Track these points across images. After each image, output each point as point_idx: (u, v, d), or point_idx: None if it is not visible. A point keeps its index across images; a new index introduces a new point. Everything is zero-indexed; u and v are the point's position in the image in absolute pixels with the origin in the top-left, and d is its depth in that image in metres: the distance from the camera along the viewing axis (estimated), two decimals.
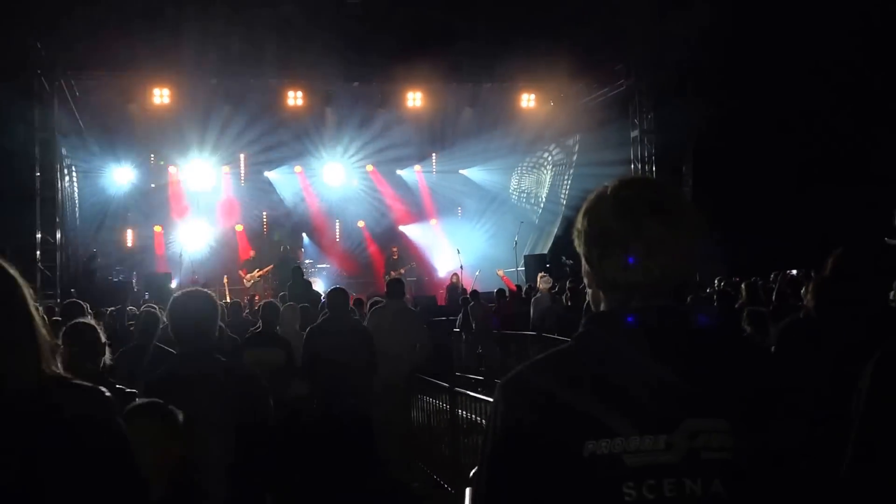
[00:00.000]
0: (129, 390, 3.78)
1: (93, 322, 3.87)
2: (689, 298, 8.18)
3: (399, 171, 22.85)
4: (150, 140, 20.12)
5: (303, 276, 14.76)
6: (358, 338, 7.22)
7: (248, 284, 18.94)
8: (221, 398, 3.33)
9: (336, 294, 7.64)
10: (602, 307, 1.57)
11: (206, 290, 3.64)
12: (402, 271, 19.29)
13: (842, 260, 3.19)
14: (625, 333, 1.48)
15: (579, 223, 1.58)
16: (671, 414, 1.40)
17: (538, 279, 14.66)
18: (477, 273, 19.50)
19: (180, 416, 2.25)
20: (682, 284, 1.58)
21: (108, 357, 3.84)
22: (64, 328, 3.78)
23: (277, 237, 21.44)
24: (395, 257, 20.71)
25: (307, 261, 20.57)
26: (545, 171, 22.60)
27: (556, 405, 1.43)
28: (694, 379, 1.42)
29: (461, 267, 19.21)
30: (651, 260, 1.49)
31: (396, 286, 8.93)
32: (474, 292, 15.76)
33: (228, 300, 14.99)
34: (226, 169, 21.51)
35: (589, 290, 1.61)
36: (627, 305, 1.51)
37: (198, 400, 3.13)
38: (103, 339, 3.80)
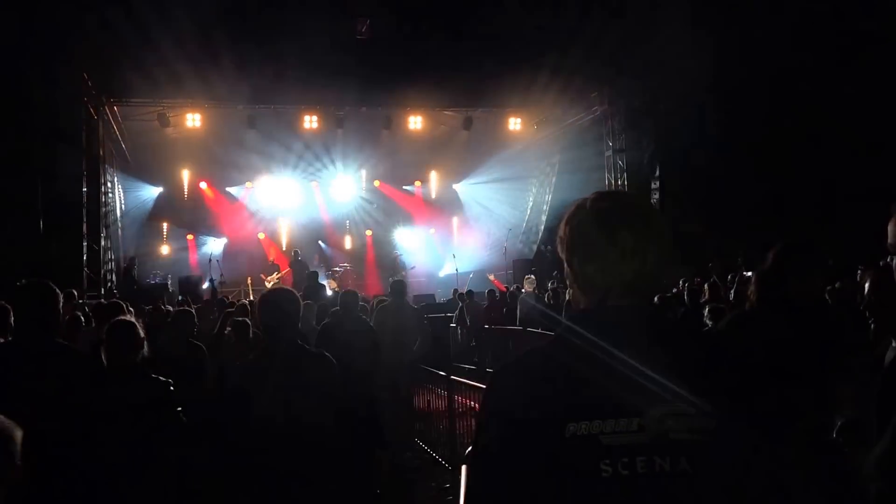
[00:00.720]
0: (163, 379, 3.75)
1: (132, 319, 3.81)
2: (656, 298, 7.96)
3: (403, 186, 22.91)
4: (183, 159, 20.25)
5: (317, 279, 14.60)
6: (363, 332, 7.19)
7: (268, 286, 18.18)
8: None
9: (347, 295, 7.65)
10: (581, 305, 1.57)
11: (289, 288, 3.59)
12: (405, 273, 19.21)
13: (779, 255, 3.06)
14: (601, 329, 1.46)
15: (561, 231, 1.58)
16: (643, 399, 1.40)
17: (524, 280, 14.63)
18: (471, 275, 19.42)
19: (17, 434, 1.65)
20: (652, 286, 1.55)
21: (145, 350, 3.78)
22: (106, 326, 3.75)
23: (293, 245, 21.43)
24: (399, 261, 20.59)
25: (321, 266, 20.34)
26: (530, 185, 22.64)
27: (540, 391, 1.43)
28: (663, 368, 1.41)
29: (456, 270, 19.24)
30: (625, 264, 1.49)
31: (399, 286, 8.85)
32: (469, 292, 15.72)
33: (251, 299, 14.94)
34: (248, 185, 21.60)
35: (570, 291, 1.61)
36: (604, 304, 1.51)
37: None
38: (141, 334, 3.74)
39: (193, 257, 20.81)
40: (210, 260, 18.83)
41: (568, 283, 1.60)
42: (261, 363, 3.41)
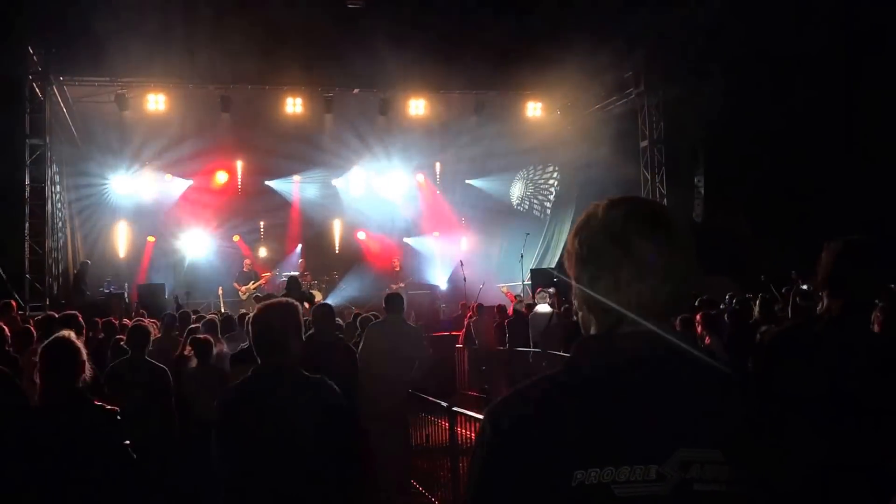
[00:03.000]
0: (108, 408, 3.74)
1: (73, 338, 3.76)
2: (677, 321, 7.78)
3: (400, 181, 22.81)
4: (145, 147, 20.10)
5: (299, 287, 13.89)
6: (339, 355, 7.08)
7: (244, 297, 18.78)
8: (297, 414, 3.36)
9: (319, 309, 7.47)
10: (592, 330, 1.57)
11: (289, 300, 3.59)
12: (402, 285, 19.14)
13: (841, 256, 2.92)
14: (614, 359, 1.48)
15: (570, 243, 1.60)
16: (662, 444, 1.40)
17: (536, 295, 14.51)
18: (481, 287, 18.85)
19: None
20: (674, 307, 1.56)
21: (88, 374, 3.76)
22: (41, 346, 3.74)
23: (270, 249, 21.71)
24: (397, 269, 20.48)
25: (306, 273, 20.10)
26: (552, 182, 22.71)
27: (544, 432, 1.43)
28: (686, 408, 1.42)
29: (464, 279, 19.03)
30: (642, 282, 1.50)
31: (395, 301, 8.77)
32: (479, 306, 15.45)
33: (222, 312, 15.07)
34: (218, 178, 21.65)
35: (579, 313, 1.62)
36: (618, 329, 1.51)
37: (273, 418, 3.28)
38: (83, 355, 3.73)
39: (155, 263, 20.80)
40: (174, 266, 19.11)
41: (576, 304, 1.62)
42: (244, 392, 3.44)
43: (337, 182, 22.45)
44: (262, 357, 3.44)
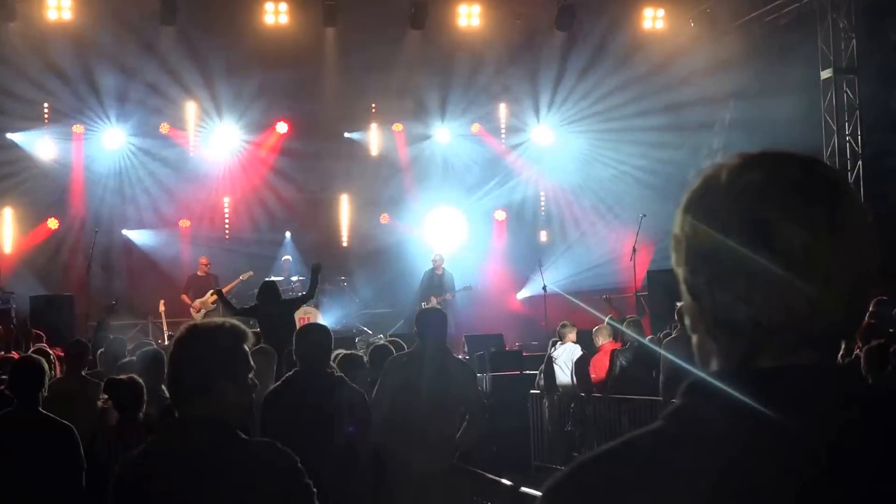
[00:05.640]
0: None
1: None
2: (853, 350, 8.52)
3: (438, 131, 21.27)
4: (45, 87, 19.26)
5: (278, 297, 13.48)
6: (341, 406, 6.96)
7: (197, 315, 17.11)
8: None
9: (306, 335, 7.54)
10: (713, 365, 1.46)
11: (224, 322, 3.59)
12: (449, 296, 17.99)
13: None
14: (749, 409, 1.35)
15: (678, 226, 1.47)
16: None
17: (675, 313, 12.70)
18: (574, 299, 17.30)
19: None
20: (844, 326, 1.42)
21: None
22: None
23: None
24: (440, 272, 18.70)
25: (294, 278, 18.90)
26: (684, 133, 20.85)
27: None
28: (859, 482, 1.32)
29: (544, 289, 17.69)
30: (792, 287, 1.36)
31: (432, 320, 8.41)
32: (563, 327, 14.50)
33: (167, 339, 15.40)
34: (165, 126, 20.02)
35: (693, 337, 1.52)
36: (753, 363, 1.39)
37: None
38: None
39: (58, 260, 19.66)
40: (89, 266, 17.68)
41: (689, 323, 1.53)
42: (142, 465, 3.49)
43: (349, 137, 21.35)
44: (178, 407, 3.54)
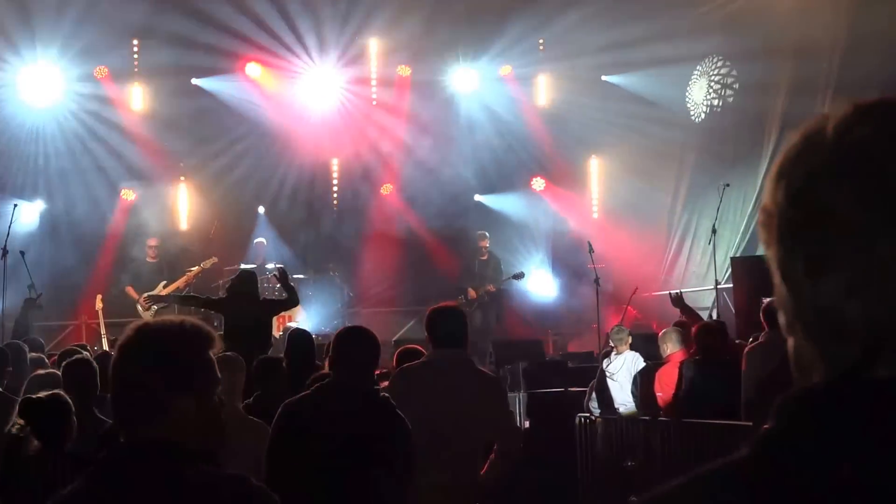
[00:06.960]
0: None
1: None
2: None
3: (462, 73, 20.23)
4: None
5: (255, 294, 13.40)
6: (381, 438, 6.63)
7: (146, 314, 17.09)
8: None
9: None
10: (815, 376, 1.37)
11: (186, 323, 3.40)
12: (491, 289, 17.83)
13: None
14: (863, 431, 1.25)
15: (769, 196, 1.39)
16: None
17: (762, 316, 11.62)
18: (631, 297, 15.97)
19: None
20: None
21: None
22: None
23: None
24: (483, 256, 18.03)
25: (270, 265, 18.01)
26: (774, 81, 19.21)
27: None
28: None
29: (596, 280, 16.04)
30: None
31: (448, 324, 7.96)
32: (618, 330, 14.44)
33: (106, 344, 15.43)
34: (101, 69, 19.37)
35: (789, 340, 1.42)
36: (868, 372, 1.28)
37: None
38: None
39: None
40: (3, 249, 16.37)
41: (783, 320, 1.41)
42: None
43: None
44: (124, 430, 3.39)
